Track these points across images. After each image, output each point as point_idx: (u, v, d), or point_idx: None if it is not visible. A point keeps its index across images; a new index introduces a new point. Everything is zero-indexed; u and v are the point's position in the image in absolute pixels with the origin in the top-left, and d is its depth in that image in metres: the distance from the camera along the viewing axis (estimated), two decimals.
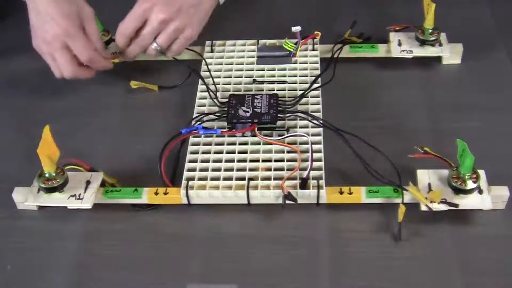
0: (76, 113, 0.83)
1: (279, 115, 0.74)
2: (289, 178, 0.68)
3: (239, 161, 0.71)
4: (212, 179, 0.69)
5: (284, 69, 0.82)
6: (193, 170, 0.70)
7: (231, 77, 0.82)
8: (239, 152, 0.72)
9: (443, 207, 0.65)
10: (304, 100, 0.77)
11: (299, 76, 0.81)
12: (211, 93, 0.79)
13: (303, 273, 0.64)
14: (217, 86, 0.80)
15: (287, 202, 0.66)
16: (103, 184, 0.70)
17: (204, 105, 0.78)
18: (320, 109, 0.76)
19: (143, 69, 0.86)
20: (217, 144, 0.73)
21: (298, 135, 0.73)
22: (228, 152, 0.72)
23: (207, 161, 0.71)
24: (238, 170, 0.70)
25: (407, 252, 0.65)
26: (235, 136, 0.73)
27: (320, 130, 0.73)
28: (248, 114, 0.74)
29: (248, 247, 0.67)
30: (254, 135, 0.73)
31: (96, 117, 0.82)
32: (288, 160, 0.70)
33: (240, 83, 0.81)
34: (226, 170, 0.70)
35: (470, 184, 0.65)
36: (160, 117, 0.81)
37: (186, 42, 0.81)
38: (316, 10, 0.97)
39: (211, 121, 0.75)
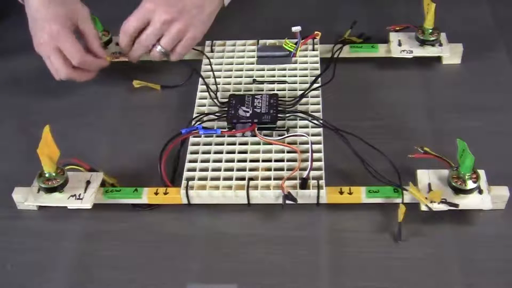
0: (76, 113, 0.83)
1: (279, 115, 0.74)
2: (289, 178, 0.68)
3: (239, 161, 0.71)
4: (212, 179, 0.69)
5: (284, 69, 0.82)
6: (193, 170, 0.70)
7: (231, 77, 0.82)
8: (239, 152, 0.72)
9: (443, 207, 0.65)
10: (304, 100, 0.77)
11: (299, 76, 0.81)
12: (211, 93, 0.79)
13: (303, 273, 0.64)
14: (217, 86, 0.80)
15: (287, 202, 0.66)
16: (103, 184, 0.70)
17: (204, 105, 0.78)
18: (320, 109, 0.76)
19: (144, 69, 0.86)
20: (217, 144, 0.73)
21: (298, 135, 0.73)
22: (228, 152, 0.72)
23: (207, 161, 0.71)
24: (238, 170, 0.70)
25: (407, 252, 0.65)
26: (235, 136, 0.73)
27: (320, 130, 0.73)
28: (248, 114, 0.74)
29: (248, 247, 0.67)
30: (254, 135, 0.73)
31: (96, 117, 0.82)
32: (288, 160, 0.70)
33: (240, 83, 0.81)
34: (226, 170, 0.70)
35: (470, 184, 0.65)
36: (160, 117, 0.81)
37: (190, 44, 0.81)
38: (316, 10, 0.97)
39: (211, 121, 0.75)
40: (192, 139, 0.74)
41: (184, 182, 0.69)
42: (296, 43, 0.82)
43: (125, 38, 0.80)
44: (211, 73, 0.82)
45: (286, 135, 0.73)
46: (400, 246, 0.65)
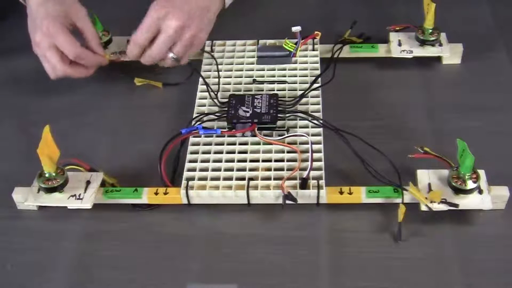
0: (76, 113, 0.83)
1: (279, 115, 0.74)
2: (289, 178, 0.68)
3: (239, 161, 0.71)
4: (212, 179, 0.69)
5: (284, 69, 0.82)
6: (193, 170, 0.70)
7: (231, 77, 0.82)
8: (239, 152, 0.72)
9: (443, 207, 0.65)
10: (304, 100, 0.77)
11: (299, 76, 0.81)
12: (211, 93, 0.79)
13: (303, 273, 0.64)
14: (219, 86, 0.80)
15: (287, 202, 0.66)
16: (103, 184, 0.70)
17: (204, 105, 0.78)
18: (320, 109, 0.76)
19: (144, 68, 0.85)
20: (217, 144, 0.73)
21: (298, 135, 0.73)
22: (228, 152, 0.72)
23: (207, 161, 0.71)
24: (238, 170, 0.70)
25: (407, 252, 0.65)
26: (235, 136, 0.73)
27: (320, 130, 0.73)
28: (248, 114, 0.74)
29: (248, 247, 0.67)
30: (254, 135, 0.73)
31: (96, 117, 0.82)
32: (288, 160, 0.70)
33: (240, 83, 0.81)
34: (226, 170, 0.70)
35: (470, 184, 0.65)
36: (161, 117, 0.81)
37: (199, 47, 0.81)
38: (316, 10, 0.97)
39: (211, 121, 0.75)
40: (192, 139, 0.74)
41: (184, 182, 0.69)
42: (296, 43, 0.82)
43: (135, 49, 0.78)
44: (210, 73, 0.82)
45: (286, 135, 0.73)
46: (400, 246, 0.65)
